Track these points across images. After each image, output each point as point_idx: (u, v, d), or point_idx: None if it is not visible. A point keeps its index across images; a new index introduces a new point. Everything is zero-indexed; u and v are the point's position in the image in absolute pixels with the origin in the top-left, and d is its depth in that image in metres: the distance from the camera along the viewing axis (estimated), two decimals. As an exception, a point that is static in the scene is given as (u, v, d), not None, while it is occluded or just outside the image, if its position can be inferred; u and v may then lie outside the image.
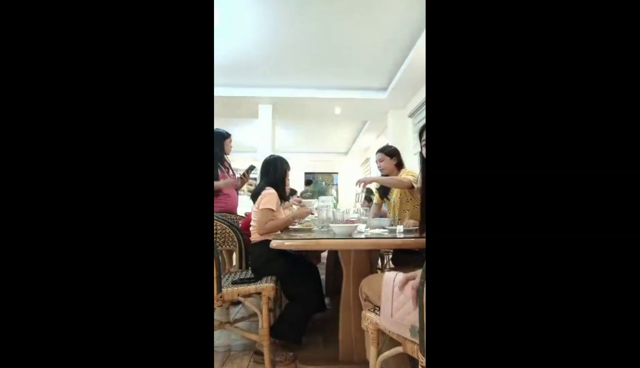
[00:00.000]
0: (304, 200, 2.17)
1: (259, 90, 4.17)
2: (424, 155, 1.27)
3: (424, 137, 1.19)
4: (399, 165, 2.10)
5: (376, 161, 2.17)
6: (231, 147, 2.25)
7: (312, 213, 1.50)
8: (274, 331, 1.42)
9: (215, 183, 2.05)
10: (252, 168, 2.24)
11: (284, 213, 1.65)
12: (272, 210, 1.50)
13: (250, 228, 1.62)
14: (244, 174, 2.20)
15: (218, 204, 2.10)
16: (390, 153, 2.10)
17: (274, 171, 1.64)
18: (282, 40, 3.10)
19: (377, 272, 1.47)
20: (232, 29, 2.90)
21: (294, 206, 2.23)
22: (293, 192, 3.22)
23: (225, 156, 2.22)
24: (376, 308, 1.00)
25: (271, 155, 1.72)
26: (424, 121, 3.56)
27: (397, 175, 2.04)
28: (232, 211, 2.16)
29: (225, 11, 2.62)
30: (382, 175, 2.12)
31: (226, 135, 2.21)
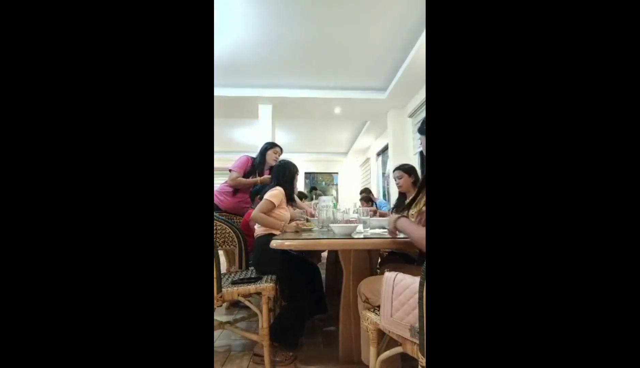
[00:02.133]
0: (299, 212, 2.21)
1: (259, 90, 4.17)
2: (424, 152, 1.27)
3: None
4: (416, 182, 2.14)
5: (394, 178, 2.25)
6: (275, 158, 2.29)
7: (301, 227, 1.57)
8: (270, 334, 1.42)
9: (241, 180, 2.13)
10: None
11: (289, 211, 1.72)
12: (273, 203, 1.60)
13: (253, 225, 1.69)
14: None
15: (237, 200, 2.16)
16: (408, 171, 2.16)
17: (283, 174, 1.76)
18: (282, 41, 3.10)
19: (377, 272, 1.47)
20: (232, 29, 2.89)
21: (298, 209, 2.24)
22: (302, 195, 3.23)
23: (265, 166, 2.27)
24: (376, 308, 1.00)
25: (282, 160, 1.86)
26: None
27: (413, 192, 2.01)
28: (238, 213, 2.20)
29: (226, 11, 2.62)
30: (399, 192, 2.23)
31: (269, 146, 2.28)
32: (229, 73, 3.74)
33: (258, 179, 2.18)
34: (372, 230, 1.48)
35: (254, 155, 2.31)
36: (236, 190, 2.16)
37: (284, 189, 1.69)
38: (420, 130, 1.27)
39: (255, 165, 2.22)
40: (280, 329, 1.45)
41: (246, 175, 2.18)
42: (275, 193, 1.62)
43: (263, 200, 1.61)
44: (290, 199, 1.75)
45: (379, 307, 0.98)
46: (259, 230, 1.65)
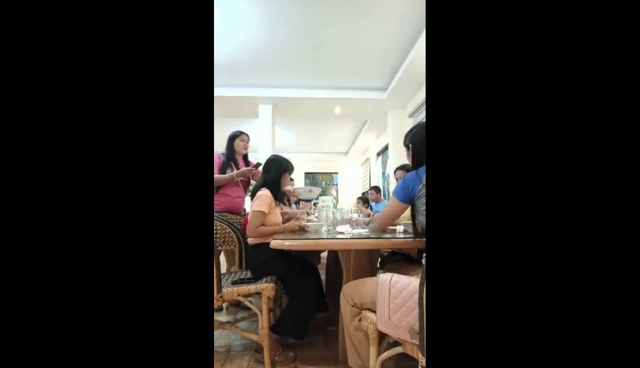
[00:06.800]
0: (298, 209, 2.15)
1: (259, 90, 4.17)
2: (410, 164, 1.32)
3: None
4: None
5: (396, 178, 2.22)
6: (244, 145, 2.20)
7: (301, 225, 1.53)
8: (276, 327, 1.42)
9: (217, 177, 2.04)
10: (258, 165, 2.21)
11: (278, 215, 1.64)
12: (264, 212, 1.51)
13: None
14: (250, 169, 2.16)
15: (220, 201, 2.08)
16: (410, 171, 2.11)
17: (269, 171, 1.65)
18: (282, 40, 3.10)
19: (377, 272, 1.47)
20: (232, 29, 2.90)
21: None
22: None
23: (238, 156, 2.19)
24: (366, 310, 1.00)
25: (272, 155, 1.73)
26: (423, 121, 3.55)
27: None
28: (233, 211, 2.14)
29: (225, 11, 2.62)
30: None
31: (235, 135, 2.20)
32: (229, 73, 3.75)
33: (234, 173, 2.08)
34: (356, 230, 1.46)
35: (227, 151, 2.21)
36: (217, 188, 2.09)
37: (270, 191, 1.57)
38: (404, 144, 1.32)
39: (226, 160, 2.13)
40: (288, 320, 1.43)
41: (221, 171, 2.10)
42: (261, 201, 1.52)
43: (252, 214, 1.51)
44: (277, 200, 1.63)
45: (369, 309, 0.98)
46: (249, 239, 1.57)
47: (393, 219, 1.26)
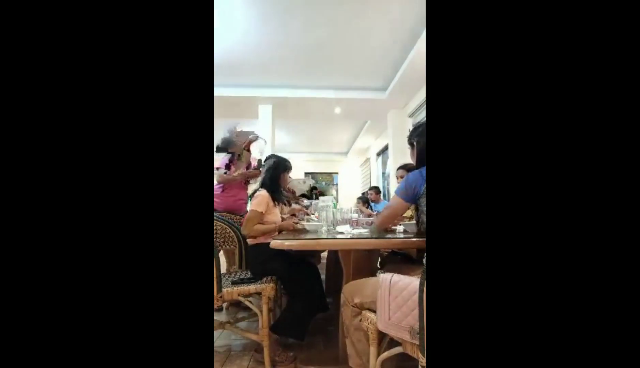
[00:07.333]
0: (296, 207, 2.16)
1: (259, 90, 4.17)
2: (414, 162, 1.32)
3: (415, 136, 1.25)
4: None
5: (397, 177, 2.24)
6: (242, 140, 2.18)
7: (296, 223, 1.54)
8: (276, 327, 1.42)
9: (226, 176, 2.06)
10: (260, 165, 2.21)
11: (277, 214, 1.65)
12: (261, 212, 1.53)
13: None
14: (255, 168, 2.17)
15: (229, 198, 2.10)
16: (411, 170, 2.13)
17: (268, 171, 1.67)
18: (282, 41, 3.10)
19: (377, 272, 1.47)
20: (232, 30, 2.89)
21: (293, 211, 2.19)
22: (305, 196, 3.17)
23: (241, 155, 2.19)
24: (367, 310, 1.00)
25: (271, 155, 1.74)
26: (423, 121, 3.55)
27: None
28: (234, 211, 2.13)
29: (226, 11, 2.62)
30: None
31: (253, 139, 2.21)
32: (229, 73, 3.74)
33: (236, 174, 2.10)
34: (357, 230, 1.46)
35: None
36: (224, 188, 2.12)
37: (268, 190, 1.60)
38: (409, 142, 1.31)
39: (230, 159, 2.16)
40: (288, 321, 1.43)
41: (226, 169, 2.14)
42: (258, 201, 1.54)
43: (249, 212, 1.54)
44: (276, 200, 1.65)
45: (370, 309, 0.98)
46: (249, 239, 1.59)
47: (395, 218, 1.25)
